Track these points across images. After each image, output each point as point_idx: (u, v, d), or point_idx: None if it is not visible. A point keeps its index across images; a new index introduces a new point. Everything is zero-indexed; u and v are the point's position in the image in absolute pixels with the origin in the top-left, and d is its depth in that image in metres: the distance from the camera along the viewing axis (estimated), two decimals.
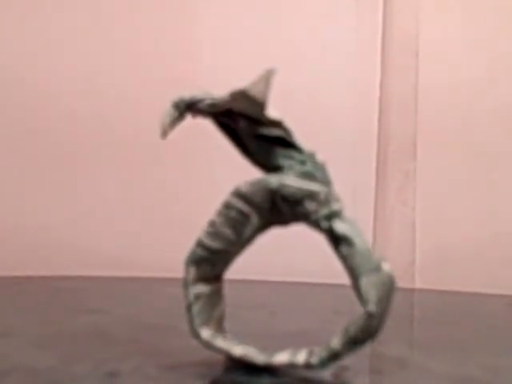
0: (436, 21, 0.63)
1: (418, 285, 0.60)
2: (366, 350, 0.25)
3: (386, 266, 0.23)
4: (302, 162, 0.25)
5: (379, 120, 0.63)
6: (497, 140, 0.61)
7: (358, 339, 0.23)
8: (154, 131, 0.72)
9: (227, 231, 0.26)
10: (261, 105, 0.25)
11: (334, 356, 0.24)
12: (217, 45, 0.64)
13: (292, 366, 0.24)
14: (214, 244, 0.26)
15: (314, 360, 0.24)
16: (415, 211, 0.62)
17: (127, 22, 0.65)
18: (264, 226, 0.26)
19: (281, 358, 0.25)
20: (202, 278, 0.27)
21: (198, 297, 0.26)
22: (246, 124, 0.26)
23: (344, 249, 0.24)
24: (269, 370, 0.25)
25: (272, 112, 0.26)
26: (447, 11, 0.63)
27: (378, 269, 0.23)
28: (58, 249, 0.62)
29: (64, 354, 0.29)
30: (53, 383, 0.24)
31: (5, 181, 0.64)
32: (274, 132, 0.25)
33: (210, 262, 0.26)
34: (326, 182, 0.25)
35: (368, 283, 0.23)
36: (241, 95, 0.25)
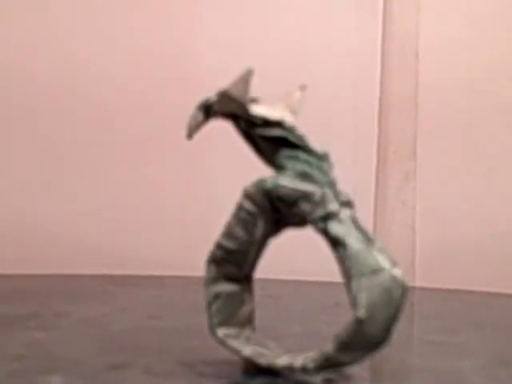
0: (436, 21, 0.63)
1: (418, 284, 0.60)
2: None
3: (396, 271, 0.23)
4: (307, 162, 0.25)
5: (379, 120, 0.63)
6: (497, 140, 0.61)
7: (350, 345, 0.22)
8: (154, 130, 0.71)
9: (240, 232, 0.26)
10: (241, 104, 0.25)
11: (327, 361, 0.23)
12: (216, 44, 0.64)
13: (291, 369, 0.24)
14: (230, 244, 0.26)
15: (310, 364, 0.24)
16: (415, 211, 0.62)
17: (127, 22, 0.65)
18: (274, 226, 0.26)
19: (282, 360, 0.25)
20: (225, 278, 0.27)
21: (217, 295, 0.27)
22: (245, 125, 0.26)
23: (338, 251, 0.23)
24: (274, 371, 0.25)
25: (272, 112, 0.25)
26: (447, 11, 0.63)
27: (374, 272, 0.22)
28: (59, 247, 0.62)
29: (108, 348, 0.29)
30: (43, 368, 0.25)
31: (5, 180, 0.63)
32: (273, 132, 0.25)
33: (231, 262, 0.27)
34: (325, 182, 0.24)
35: (358, 287, 0.22)
36: (222, 96, 0.25)
